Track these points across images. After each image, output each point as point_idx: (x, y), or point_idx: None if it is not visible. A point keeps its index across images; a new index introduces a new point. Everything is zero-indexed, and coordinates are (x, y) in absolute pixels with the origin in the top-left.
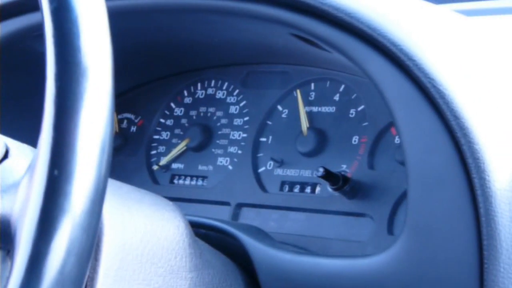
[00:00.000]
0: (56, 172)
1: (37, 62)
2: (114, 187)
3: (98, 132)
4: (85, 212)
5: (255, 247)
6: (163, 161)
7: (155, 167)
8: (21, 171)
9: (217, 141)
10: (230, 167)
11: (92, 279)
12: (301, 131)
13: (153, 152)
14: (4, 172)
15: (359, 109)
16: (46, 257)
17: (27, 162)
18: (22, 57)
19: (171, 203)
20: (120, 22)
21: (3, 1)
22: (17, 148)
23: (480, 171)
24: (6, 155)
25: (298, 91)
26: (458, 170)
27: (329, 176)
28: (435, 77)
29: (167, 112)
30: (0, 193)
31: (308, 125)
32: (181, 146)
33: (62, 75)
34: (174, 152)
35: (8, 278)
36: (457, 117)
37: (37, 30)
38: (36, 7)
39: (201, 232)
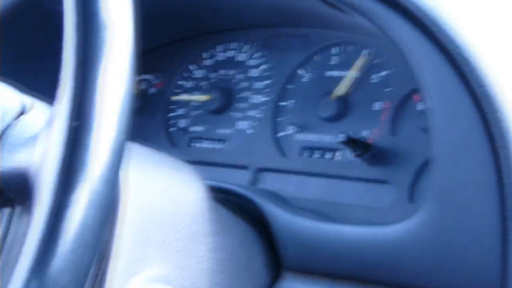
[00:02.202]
0: (75, 123)
1: (56, 21)
2: (133, 150)
3: (118, 83)
4: (105, 164)
5: (274, 212)
6: (180, 96)
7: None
8: (39, 126)
9: (237, 105)
10: (249, 131)
11: (111, 242)
12: (330, 94)
13: (172, 114)
14: (21, 127)
15: (382, 74)
16: (68, 209)
17: (44, 117)
18: (40, 16)
19: (190, 167)
20: None
21: None
22: (34, 105)
23: (505, 140)
24: (22, 112)
25: (366, 54)
26: (483, 138)
27: (350, 142)
28: (461, 43)
29: (186, 74)
30: (18, 147)
31: (345, 92)
32: (200, 98)
33: (81, 28)
34: (192, 98)
35: (27, 232)
36: (482, 85)
37: None
38: None
39: (220, 197)
